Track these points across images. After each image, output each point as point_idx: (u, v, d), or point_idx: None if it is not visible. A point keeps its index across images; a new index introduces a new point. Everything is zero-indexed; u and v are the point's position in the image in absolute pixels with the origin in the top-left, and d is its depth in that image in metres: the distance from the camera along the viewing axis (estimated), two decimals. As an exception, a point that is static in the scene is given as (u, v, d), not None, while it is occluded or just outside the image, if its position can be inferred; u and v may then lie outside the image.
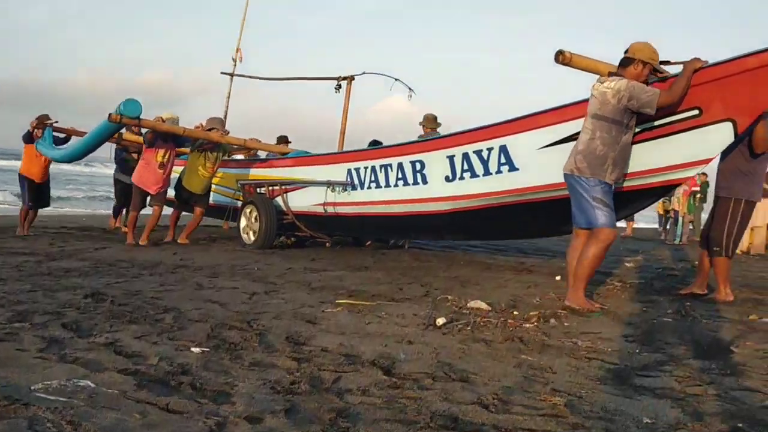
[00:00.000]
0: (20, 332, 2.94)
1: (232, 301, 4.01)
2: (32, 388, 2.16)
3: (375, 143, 8.19)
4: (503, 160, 5.21)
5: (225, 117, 10.55)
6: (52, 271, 4.98)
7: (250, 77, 10.40)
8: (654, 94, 4.07)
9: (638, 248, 10.82)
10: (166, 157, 7.40)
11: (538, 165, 4.97)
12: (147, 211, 7.95)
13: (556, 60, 4.57)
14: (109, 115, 6.85)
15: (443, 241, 8.77)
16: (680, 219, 13.42)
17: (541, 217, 5.26)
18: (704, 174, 13.07)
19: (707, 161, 4.57)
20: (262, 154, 9.20)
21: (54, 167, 9.11)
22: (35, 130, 8.32)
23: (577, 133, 4.43)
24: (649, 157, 4.49)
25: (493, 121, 5.42)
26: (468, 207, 5.56)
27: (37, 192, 8.47)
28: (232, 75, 10.61)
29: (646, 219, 22.16)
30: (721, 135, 4.26)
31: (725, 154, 5.01)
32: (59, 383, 2.22)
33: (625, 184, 4.57)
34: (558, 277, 6.08)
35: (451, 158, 5.60)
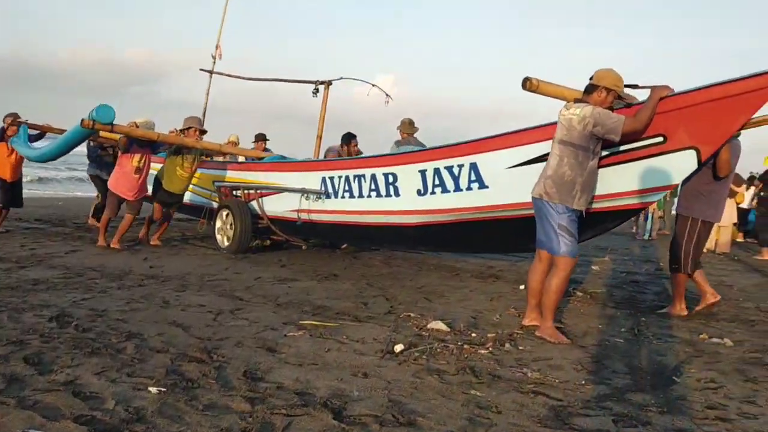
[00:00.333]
0: (-19, 368, 3.00)
1: (196, 323, 4.09)
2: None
3: (349, 136, 8.26)
4: (473, 177, 5.30)
5: (204, 114, 10.53)
6: (21, 284, 5.01)
7: (229, 76, 10.37)
8: (619, 121, 4.14)
9: (608, 245, 11.01)
10: (142, 161, 7.40)
11: (507, 184, 5.07)
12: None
13: (524, 87, 4.66)
14: (82, 120, 6.82)
15: None
16: (650, 214, 13.64)
17: (508, 234, 5.36)
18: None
19: (671, 187, 4.69)
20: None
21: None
22: (9, 128, 8.24)
23: (545, 155, 4.53)
24: (615, 182, 4.58)
25: (464, 140, 5.51)
26: (438, 221, 5.67)
27: (11, 192, 8.42)
28: (211, 72, 10.58)
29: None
30: (685, 162, 4.35)
31: (690, 174, 5.14)
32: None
33: (593, 206, 4.66)
34: (522, 287, 6.23)
35: (423, 173, 5.69)
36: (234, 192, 7.89)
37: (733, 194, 11.47)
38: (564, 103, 4.50)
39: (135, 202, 7.50)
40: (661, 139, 4.36)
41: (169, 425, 2.49)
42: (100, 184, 9.26)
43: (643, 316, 5.25)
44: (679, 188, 5.35)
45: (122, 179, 7.41)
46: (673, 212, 11.58)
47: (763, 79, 3.93)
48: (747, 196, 14.19)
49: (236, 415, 2.64)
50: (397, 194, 5.98)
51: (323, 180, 6.72)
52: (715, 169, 5.09)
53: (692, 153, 4.30)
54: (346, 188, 6.48)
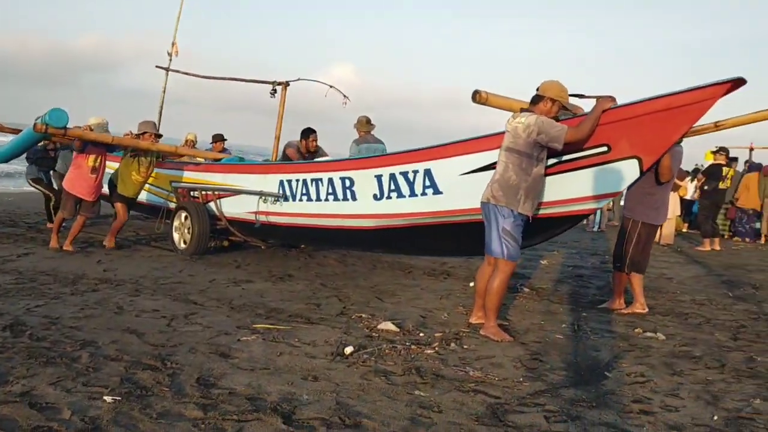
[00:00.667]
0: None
1: (150, 329, 4.18)
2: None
3: (308, 131, 8.35)
4: (428, 183, 5.45)
5: (160, 112, 10.44)
6: (-28, 291, 5.01)
7: (185, 74, 10.26)
8: (562, 130, 4.37)
9: (559, 238, 11.30)
10: (98, 161, 7.37)
11: (460, 190, 5.22)
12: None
13: (473, 99, 4.85)
14: (35, 124, 6.78)
15: None
16: (599, 207, 14.08)
17: (461, 239, 5.53)
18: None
19: (616, 194, 4.93)
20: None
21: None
22: None
23: (496, 162, 4.73)
24: (562, 189, 4.79)
25: (419, 146, 5.67)
26: (394, 225, 5.81)
27: None
28: (167, 70, 10.47)
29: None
30: (628, 171, 4.56)
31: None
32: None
33: (540, 212, 4.87)
34: (471, 283, 6.45)
35: (379, 178, 5.82)
36: (191, 193, 7.90)
37: (676, 188, 11.96)
38: None
39: (91, 203, 7.48)
40: (605, 148, 4.57)
41: (124, 434, 2.60)
42: (45, 185, 9.11)
43: (584, 312, 5.52)
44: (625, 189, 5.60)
45: (78, 180, 7.36)
46: (622, 203, 12.00)
47: (701, 92, 4.17)
48: (690, 188, 14.77)
49: (189, 422, 2.76)
50: (354, 198, 6.11)
51: (281, 183, 6.81)
52: (657, 175, 5.35)
53: (635, 162, 4.51)
54: (304, 191, 6.58)
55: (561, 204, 4.85)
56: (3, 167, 26.10)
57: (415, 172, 5.54)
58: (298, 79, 8.34)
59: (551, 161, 4.69)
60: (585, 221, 15.21)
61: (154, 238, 8.56)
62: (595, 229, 14.14)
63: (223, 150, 10.35)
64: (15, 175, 24.73)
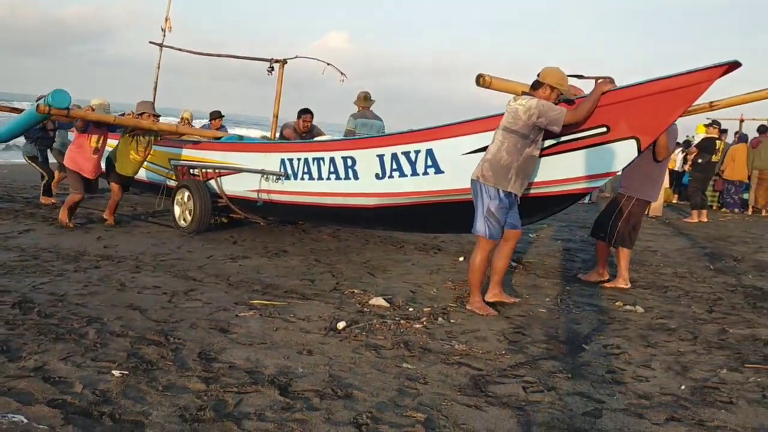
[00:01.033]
0: (-47, 357, 3.26)
1: (152, 306, 4.39)
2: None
3: (304, 112, 8.50)
4: (429, 162, 5.62)
5: (155, 89, 10.53)
6: (-23, 269, 5.20)
7: (179, 50, 10.32)
8: (561, 113, 4.54)
9: (549, 211, 11.53)
10: (100, 142, 7.52)
11: (461, 169, 5.38)
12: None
13: (477, 83, 5.01)
14: (38, 106, 6.90)
15: None
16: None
17: (462, 217, 5.72)
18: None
19: (613, 173, 5.12)
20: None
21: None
22: None
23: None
24: (562, 168, 4.98)
25: (422, 127, 5.83)
26: (395, 203, 5.99)
27: None
28: (161, 46, 10.52)
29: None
30: (626, 151, 4.74)
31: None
32: (-6, 419, 2.60)
33: (541, 191, 5.06)
34: (461, 258, 6.68)
35: (381, 157, 5.97)
36: (191, 171, 8.03)
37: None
38: None
39: (92, 181, 7.65)
40: (604, 129, 4.75)
41: (133, 406, 2.82)
42: (39, 164, 9.24)
43: (568, 285, 5.76)
44: None
45: (81, 158, 7.50)
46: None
47: (698, 74, 4.35)
48: (678, 160, 14.97)
49: (193, 394, 2.99)
50: (356, 177, 6.26)
51: (282, 161, 6.95)
52: (654, 153, 5.53)
53: (633, 142, 4.70)
54: (306, 170, 6.73)
55: (561, 183, 5.04)
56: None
57: (417, 151, 5.69)
58: (296, 57, 8.44)
59: (551, 141, 4.87)
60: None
61: (152, 213, 8.74)
62: (587, 201, 14.35)
63: (221, 128, 10.48)
64: (8, 147, 24.70)
